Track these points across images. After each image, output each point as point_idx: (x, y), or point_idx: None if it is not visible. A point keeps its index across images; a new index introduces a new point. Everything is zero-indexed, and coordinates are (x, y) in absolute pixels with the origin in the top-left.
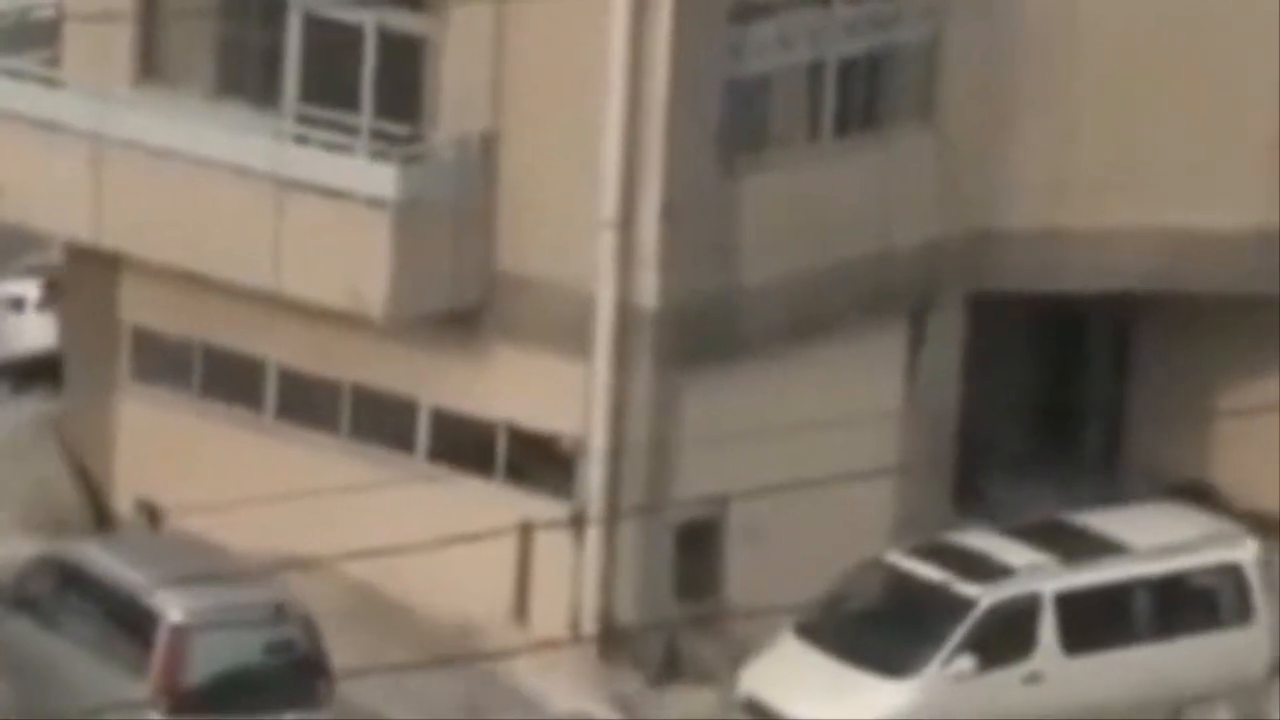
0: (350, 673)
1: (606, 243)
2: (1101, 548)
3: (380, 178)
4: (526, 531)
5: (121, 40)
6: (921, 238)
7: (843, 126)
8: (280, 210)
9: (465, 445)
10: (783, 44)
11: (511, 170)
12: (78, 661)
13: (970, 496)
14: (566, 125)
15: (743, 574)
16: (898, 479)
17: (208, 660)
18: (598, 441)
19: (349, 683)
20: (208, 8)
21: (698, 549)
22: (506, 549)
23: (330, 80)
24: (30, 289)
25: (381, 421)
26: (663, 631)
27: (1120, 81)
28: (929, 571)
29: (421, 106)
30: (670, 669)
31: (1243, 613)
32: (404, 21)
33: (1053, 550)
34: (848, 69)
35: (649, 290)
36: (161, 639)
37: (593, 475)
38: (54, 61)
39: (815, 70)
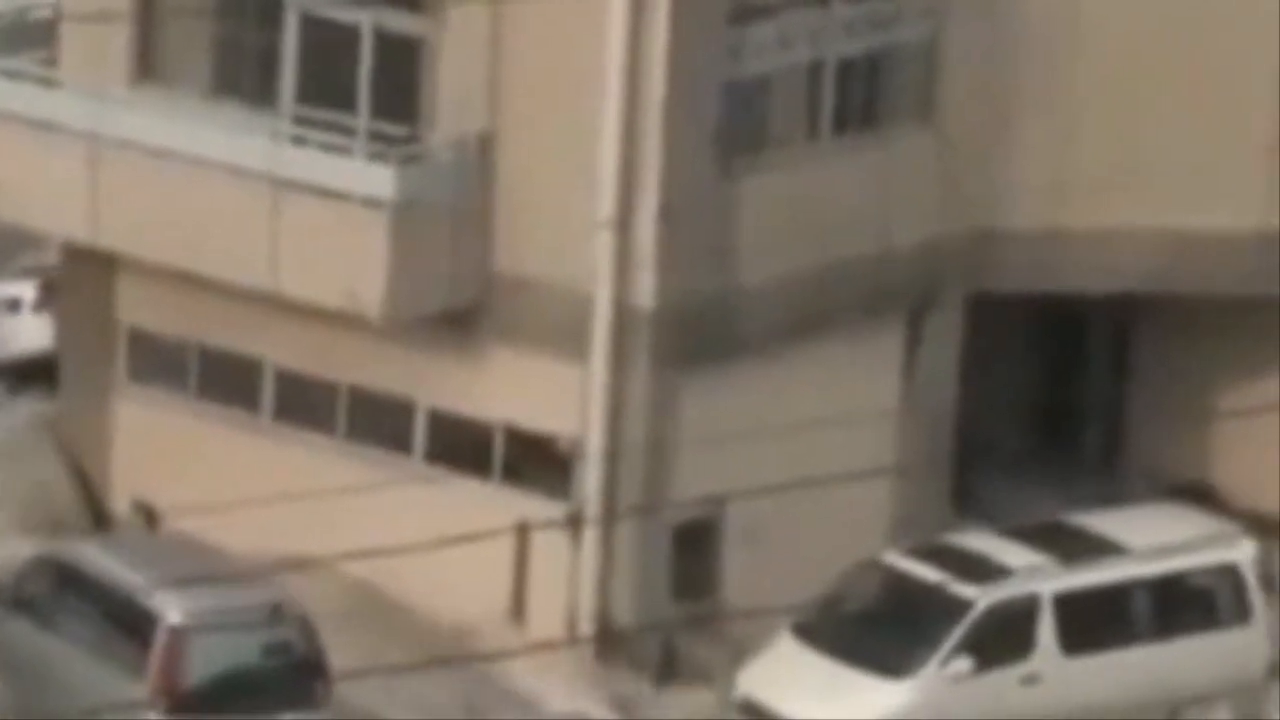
0: (348, 674)
1: (604, 243)
2: (1099, 548)
3: (377, 178)
4: (523, 532)
5: (118, 40)
6: (920, 238)
7: (841, 127)
8: (277, 211)
9: (462, 446)
10: (781, 44)
11: (509, 171)
12: (76, 662)
13: (968, 497)
14: (564, 126)
15: (740, 574)
16: (896, 479)
17: (205, 661)
18: (595, 442)
19: (346, 683)
20: (204, 8)
21: (695, 549)
22: (503, 550)
23: (327, 81)
24: (26, 290)
25: (379, 422)
26: (660, 632)
27: (1121, 82)
28: (927, 572)
29: (419, 107)
30: (668, 669)
31: (1241, 613)
32: (401, 22)
33: (1051, 551)
34: (847, 69)
35: (646, 291)
36: (159, 640)
37: (590, 476)
38: (51, 61)
39: (814, 70)
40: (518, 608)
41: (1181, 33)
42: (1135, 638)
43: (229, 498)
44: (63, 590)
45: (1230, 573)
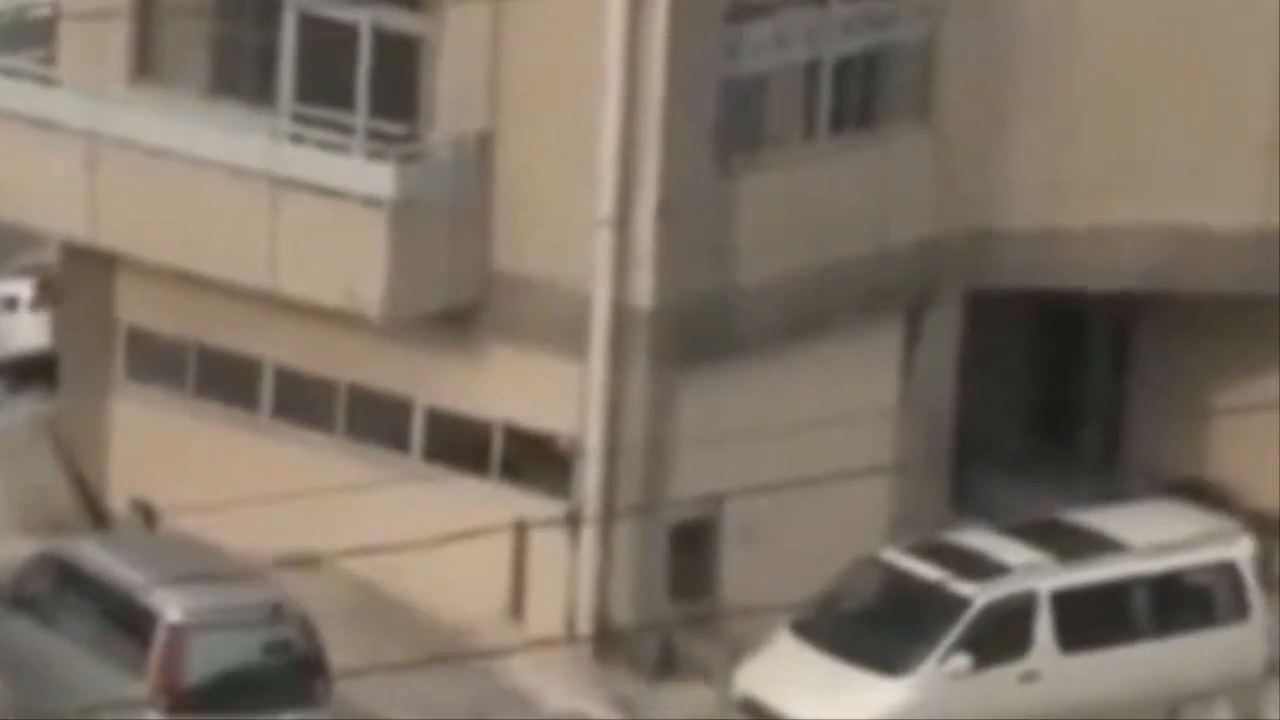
0: (347, 672)
1: (603, 242)
2: (1098, 546)
3: (376, 177)
4: (522, 531)
5: (117, 39)
6: (918, 236)
7: (839, 125)
8: (276, 209)
9: (461, 444)
10: (779, 43)
11: (508, 170)
12: (76, 660)
13: (967, 495)
14: (563, 125)
15: (739, 573)
16: (894, 477)
17: (206, 660)
18: (593, 441)
19: (346, 682)
20: (203, 7)
21: (693, 548)
22: (502, 548)
23: (326, 79)
24: (24, 289)
25: (377, 421)
26: (658, 630)
27: (1120, 80)
28: (925, 570)
29: (418, 106)
30: (666, 668)
31: (1239, 610)
32: (399, 20)
33: (1049, 549)
34: (844, 68)
35: (645, 289)
36: (160, 638)
37: (588, 474)
38: (49, 60)
39: (811, 69)
40: (516, 606)
41: (1179, 31)
42: (1134, 635)
43: (228, 496)
44: (63, 589)
45: (1229, 570)
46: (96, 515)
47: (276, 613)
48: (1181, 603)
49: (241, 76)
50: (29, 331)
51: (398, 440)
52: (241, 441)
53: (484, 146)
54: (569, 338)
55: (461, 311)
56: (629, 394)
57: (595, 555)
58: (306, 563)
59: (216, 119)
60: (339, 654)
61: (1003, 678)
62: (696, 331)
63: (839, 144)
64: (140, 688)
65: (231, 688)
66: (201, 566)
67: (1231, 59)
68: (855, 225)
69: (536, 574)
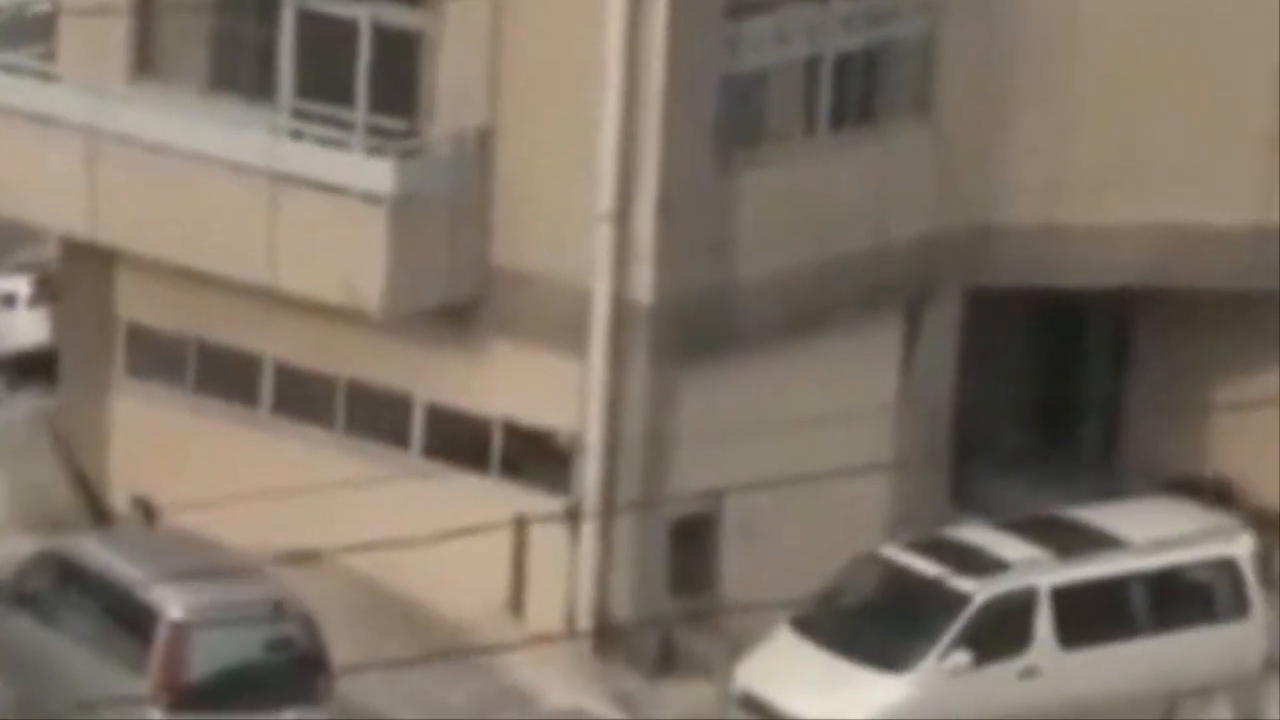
0: (348, 669)
1: (602, 237)
2: (1097, 542)
3: (376, 173)
4: (522, 526)
5: (117, 35)
6: (918, 233)
7: (839, 122)
8: (276, 205)
9: (461, 440)
10: (779, 39)
11: (507, 165)
12: (77, 658)
13: (966, 491)
14: (563, 120)
15: (738, 569)
16: (894, 474)
17: (207, 657)
18: (593, 437)
19: (345, 678)
20: (203, 3)
21: (693, 544)
22: (502, 544)
23: (326, 75)
24: (22, 285)
25: (377, 417)
26: (658, 626)
27: (1119, 77)
28: (925, 566)
29: (417, 101)
30: (666, 664)
31: (1238, 607)
32: (399, 16)
33: (1048, 545)
34: (844, 64)
35: (645, 285)
36: (161, 635)
37: (588, 470)
38: (49, 56)
39: (811, 65)
40: (516, 602)
41: (1179, 28)
42: (1133, 631)
43: (227, 493)
44: (64, 586)
45: (1228, 567)
46: (97, 512)
47: (278, 610)
48: (1181, 599)
49: (241, 72)
50: (27, 328)
51: (397, 436)
52: (241, 438)
53: (484, 142)
54: (569, 333)
55: (461, 307)
56: (629, 390)
57: (595, 551)
58: (306, 559)
59: (216, 115)
60: (339, 650)
61: (1002, 674)
62: (696, 327)
63: (839, 140)
64: (141, 685)
65: (233, 685)
66: (203, 564)
67: (1231, 57)
68: (855, 221)
69: (536, 570)
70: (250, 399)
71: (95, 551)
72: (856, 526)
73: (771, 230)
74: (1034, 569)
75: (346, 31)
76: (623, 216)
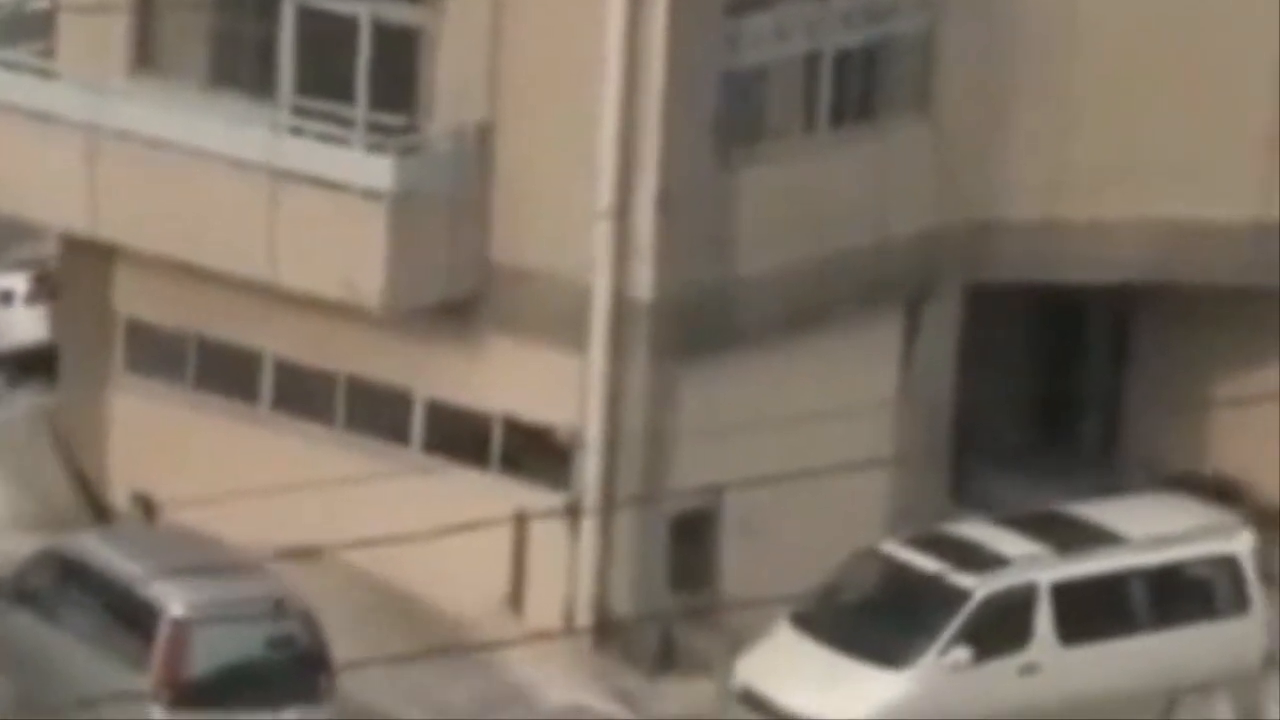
0: (348, 664)
1: (602, 234)
2: (1097, 538)
3: (376, 169)
4: (522, 522)
5: (116, 31)
6: (918, 228)
7: (839, 118)
8: (275, 202)
9: (461, 436)
10: (779, 35)
11: (507, 161)
12: (78, 655)
13: (966, 487)
14: (562, 116)
15: (738, 564)
16: (893, 470)
17: (209, 654)
18: (593, 432)
19: (344, 675)
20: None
21: (693, 540)
22: (502, 540)
23: (325, 72)
24: (19, 282)
25: (377, 413)
26: (658, 622)
27: (1120, 73)
28: (924, 562)
29: (417, 98)
30: (665, 660)
31: (1239, 603)
32: (399, 13)
33: (1048, 541)
34: (844, 60)
35: (645, 281)
36: (163, 633)
37: (588, 466)
38: (49, 53)
39: (811, 62)
40: (516, 597)
41: (1179, 25)
42: (1133, 628)
43: (227, 489)
44: (66, 584)
45: (1228, 563)
46: (96, 509)
47: (279, 607)
48: (1181, 595)
49: (241, 69)
50: (24, 325)
51: (397, 432)
52: (241, 434)
53: (483, 138)
54: (569, 329)
55: (461, 303)
56: (628, 385)
57: (595, 547)
58: (307, 555)
59: (216, 111)
60: (338, 646)
61: (1002, 670)
62: (696, 323)
63: (839, 137)
64: (143, 682)
65: (234, 682)
66: (204, 561)
67: (1231, 53)
68: (855, 218)
69: (536, 565)
70: (250, 395)
71: (97, 549)
72: (856, 522)
73: (771, 226)
74: (1034, 565)
75: (346, 28)
76: (622, 213)
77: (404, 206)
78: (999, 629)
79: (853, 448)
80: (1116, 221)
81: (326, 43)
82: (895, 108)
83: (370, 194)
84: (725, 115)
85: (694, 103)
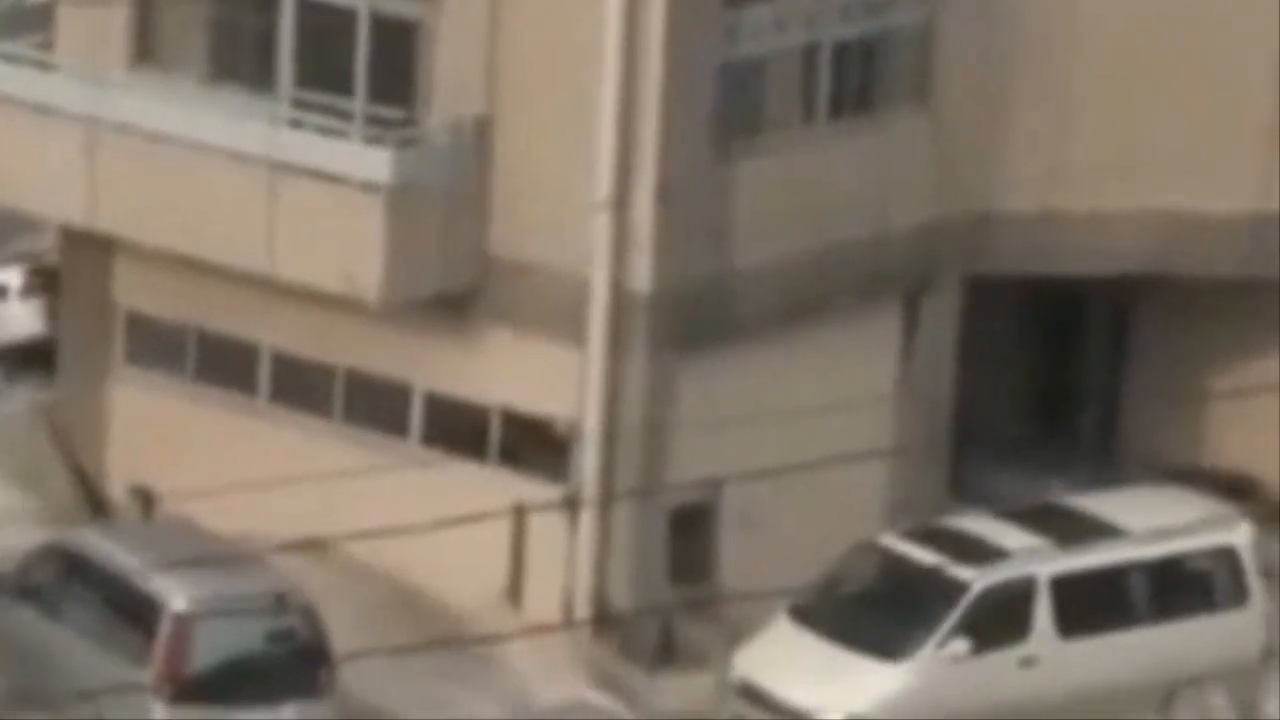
0: (346, 656)
1: (601, 226)
2: (1096, 531)
3: (374, 162)
4: (520, 515)
5: (116, 24)
6: (917, 221)
7: (837, 110)
8: (275, 194)
9: (459, 429)
10: (777, 27)
11: (506, 154)
12: (80, 650)
13: (965, 480)
14: (561, 109)
15: (737, 557)
16: (892, 462)
17: (210, 649)
18: (592, 425)
19: (343, 667)
20: None
21: (692, 533)
22: (500, 532)
23: (325, 65)
24: (14, 276)
25: (375, 406)
26: (657, 615)
27: (1119, 65)
28: (923, 554)
29: (416, 91)
30: (664, 652)
31: (1237, 596)
32: (398, 6)
33: (1047, 533)
34: (842, 52)
35: (643, 274)
36: (164, 627)
37: (587, 459)
38: (48, 45)
39: (810, 53)
40: (514, 590)
41: (1179, 17)
42: (1132, 620)
43: (226, 481)
44: (67, 578)
45: (1227, 555)
46: (95, 502)
47: (281, 602)
48: (1180, 588)
49: (241, 62)
50: (19, 319)
51: (396, 425)
52: (240, 427)
53: (482, 131)
54: (567, 322)
55: (459, 296)
56: (627, 378)
57: (593, 540)
58: (307, 548)
59: (216, 104)
60: (336, 638)
61: (1001, 662)
62: (695, 316)
63: (837, 129)
64: (144, 676)
65: (235, 676)
66: (206, 555)
67: (1230, 46)
68: (854, 210)
69: (534, 558)
70: (249, 388)
71: (98, 544)
72: (855, 515)
73: (770, 218)
74: (1033, 558)
75: (345, 21)
76: (621, 205)
77: (402, 199)
78: (998, 622)
79: (852, 440)
80: (1116, 214)
81: (325, 36)
82: (894, 100)
83: (369, 187)
84: (724, 107)
85: (693, 95)
